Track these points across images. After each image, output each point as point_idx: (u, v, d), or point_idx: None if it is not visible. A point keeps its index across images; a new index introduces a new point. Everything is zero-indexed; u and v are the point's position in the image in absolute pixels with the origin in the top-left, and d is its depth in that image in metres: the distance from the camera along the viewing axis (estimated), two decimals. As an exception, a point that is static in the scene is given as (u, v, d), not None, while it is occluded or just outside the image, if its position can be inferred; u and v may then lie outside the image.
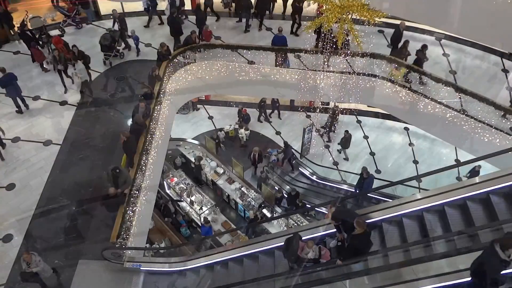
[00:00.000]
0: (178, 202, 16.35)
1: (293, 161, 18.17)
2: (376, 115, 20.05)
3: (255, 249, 9.69)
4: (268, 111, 19.99)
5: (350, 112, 19.80)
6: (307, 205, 15.57)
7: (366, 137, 19.40)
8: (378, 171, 17.81)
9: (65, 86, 14.80)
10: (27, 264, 8.86)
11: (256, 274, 8.96)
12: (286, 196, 16.07)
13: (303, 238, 8.36)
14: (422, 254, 6.96)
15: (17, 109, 13.93)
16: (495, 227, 6.71)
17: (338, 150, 18.82)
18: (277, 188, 16.51)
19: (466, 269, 6.04)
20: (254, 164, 17.36)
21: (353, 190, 16.54)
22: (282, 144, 18.14)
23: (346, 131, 17.82)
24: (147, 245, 13.03)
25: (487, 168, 14.44)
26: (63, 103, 14.38)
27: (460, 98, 13.21)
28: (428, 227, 7.57)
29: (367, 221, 7.74)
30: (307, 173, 18.15)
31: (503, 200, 7.23)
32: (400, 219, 8.01)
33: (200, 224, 15.69)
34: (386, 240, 7.81)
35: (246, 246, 10.00)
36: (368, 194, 16.48)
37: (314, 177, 17.98)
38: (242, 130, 18.93)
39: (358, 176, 15.60)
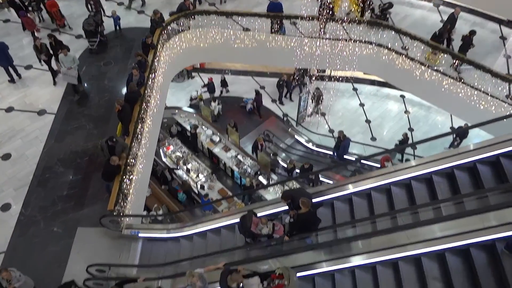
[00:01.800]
0: (175, 170, 16.47)
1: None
2: (373, 82, 20.00)
3: (273, 210, 9.72)
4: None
5: (346, 79, 19.70)
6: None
7: (362, 104, 19.40)
8: (373, 139, 17.93)
9: (54, 77, 13.87)
10: (7, 282, 8.27)
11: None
12: (298, 170, 15.63)
13: (264, 214, 9.03)
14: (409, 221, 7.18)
15: (9, 78, 13.75)
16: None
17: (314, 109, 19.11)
18: (272, 157, 16.67)
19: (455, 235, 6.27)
20: (256, 151, 17.04)
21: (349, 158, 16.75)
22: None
23: (317, 88, 18.33)
24: (145, 213, 13.19)
25: (482, 135, 14.56)
26: (56, 72, 14.16)
27: (457, 65, 13.16)
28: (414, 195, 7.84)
29: (322, 198, 8.62)
30: (303, 140, 18.24)
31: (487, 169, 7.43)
32: (388, 187, 8.30)
33: (197, 192, 15.89)
34: (375, 208, 8.08)
35: (264, 207, 10.03)
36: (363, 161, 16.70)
37: (310, 145, 18.08)
38: (213, 104, 18.77)
39: (354, 144, 15.76)
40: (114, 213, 9.93)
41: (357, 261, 7.26)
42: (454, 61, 13.21)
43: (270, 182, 15.82)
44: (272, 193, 15.65)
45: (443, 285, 6.56)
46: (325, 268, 7.49)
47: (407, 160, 16.49)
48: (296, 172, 15.60)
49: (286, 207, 8.30)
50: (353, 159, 16.67)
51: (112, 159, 9.98)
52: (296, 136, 18.41)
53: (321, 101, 18.69)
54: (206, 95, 19.40)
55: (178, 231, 10.51)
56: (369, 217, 7.82)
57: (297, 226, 7.75)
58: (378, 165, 15.09)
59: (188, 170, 16.52)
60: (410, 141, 16.72)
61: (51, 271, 9.44)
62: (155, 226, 11.30)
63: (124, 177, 10.35)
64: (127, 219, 10.35)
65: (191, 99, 19.43)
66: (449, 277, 6.52)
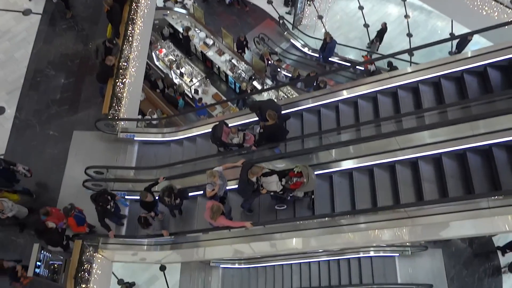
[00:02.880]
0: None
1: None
2: (374, -17, 18.98)
3: (247, 120, 9.93)
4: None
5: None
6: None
7: (361, 7, 18.62)
8: (369, 45, 17.50)
9: None
10: (0, 212, 8.53)
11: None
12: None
13: (236, 124, 9.40)
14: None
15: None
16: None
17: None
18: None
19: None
20: (242, 49, 16.60)
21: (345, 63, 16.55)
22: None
23: None
24: (139, 117, 13.27)
25: (482, 43, 14.26)
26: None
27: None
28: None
29: (288, 110, 8.99)
30: (298, 45, 17.80)
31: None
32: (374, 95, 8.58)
33: (191, 96, 15.86)
34: (360, 115, 8.42)
35: (237, 117, 10.22)
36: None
37: (305, 49, 17.70)
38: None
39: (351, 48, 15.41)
40: (109, 117, 10.02)
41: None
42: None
43: (265, 87, 15.73)
44: (266, 98, 15.64)
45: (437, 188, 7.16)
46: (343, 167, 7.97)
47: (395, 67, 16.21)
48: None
49: (253, 119, 8.71)
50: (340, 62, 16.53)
51: (108, 58, 9.92)
52: (291, 40, 17.91)
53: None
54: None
55: (173, 136, 10.69)
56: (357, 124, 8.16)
57: (264, 137, 8.25)
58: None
59: (181, 74, 16.29)
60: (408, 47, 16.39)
61: (50, 173, 9.77)
62: (150, 130, 11.45)
63: (117, 80, 10.26)
64: (123, 122, 10.45)
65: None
66: (444, 179, 7.06)
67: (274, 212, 8.25)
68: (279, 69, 15.31)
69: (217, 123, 8.81)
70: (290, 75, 15.90)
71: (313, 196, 7.77)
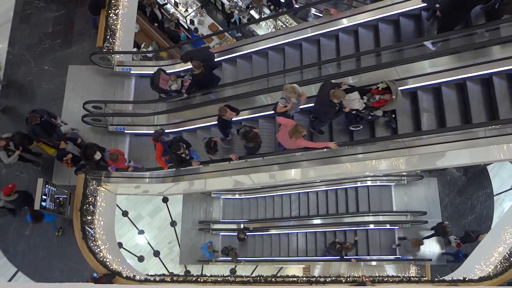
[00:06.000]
0: (164, 6, 15.66)
1: None
2: None
3: (246, 51, 9.74)
4: None
5: None
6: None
7: None
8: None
9: None
10: None
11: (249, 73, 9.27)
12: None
13: (174, 71, 9.78)
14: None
15: None
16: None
17: None
18: None
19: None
20: None
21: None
22: None
23: None
24: (135, 49, 12.98)
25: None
26: None
27: None
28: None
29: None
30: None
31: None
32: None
33: (186, 27, 15.42)
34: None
35: (235, 48, 9.99)
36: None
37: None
38: None
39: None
40: (104, 50, 9.81)
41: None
42: None
43: (262, 16, 15.25)
44: (264, 28, 15.24)
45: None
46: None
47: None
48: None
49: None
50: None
51: None
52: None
53: None
54: None
55: (170, 68, 10.50)
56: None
57: (192, 85, 8.77)
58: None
59: (176, 4, 15.71)
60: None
61: (48, 108, 9.65)
62: (146, 63, 11.24)
63: (109, 11, 9.93)
64: (118, 56, 10.24)
65: None
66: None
67: (348, 133, 7.88)
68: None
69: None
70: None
71: (394, 115, 7.34)
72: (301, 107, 7.48)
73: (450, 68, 6.91)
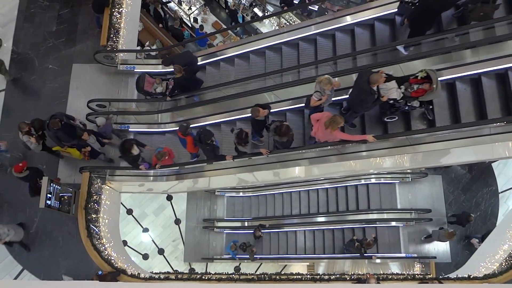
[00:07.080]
0: (167, 4, 15.66)
1: None
2: None
3: (246, 49, 9.74)
4: None
5: None
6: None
7: None
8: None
9: None
10: None
11: (248, 73, 9.26)
12: None
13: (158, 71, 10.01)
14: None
15: None
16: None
17: None
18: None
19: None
20: None
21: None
22: None
23: None
24: (138, 48, 12.98)
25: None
26: None
27: None
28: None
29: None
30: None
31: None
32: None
33: (190, 26, 15.42)
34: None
35: (238, 46, 10.00)
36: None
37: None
38: None
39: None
40: (108, 48, 9.82)
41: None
42: None
43: (266, 14, 15.24)
44: (268, 26, 15.22)
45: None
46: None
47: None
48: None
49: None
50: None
51: None
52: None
53: None
54: None
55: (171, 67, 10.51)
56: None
57: (174, 89, 8.93)
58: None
59: (180, 2, 15.72)
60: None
61: (53, 107, 9.78)
62: (150, 61, 11.25)
63: (113, 10, 9.95)
64: (122, 54, 10.26)
65: None
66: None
67: (382, 124, 7.65)
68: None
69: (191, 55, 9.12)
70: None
71: (431, 106, 7.11)
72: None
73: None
